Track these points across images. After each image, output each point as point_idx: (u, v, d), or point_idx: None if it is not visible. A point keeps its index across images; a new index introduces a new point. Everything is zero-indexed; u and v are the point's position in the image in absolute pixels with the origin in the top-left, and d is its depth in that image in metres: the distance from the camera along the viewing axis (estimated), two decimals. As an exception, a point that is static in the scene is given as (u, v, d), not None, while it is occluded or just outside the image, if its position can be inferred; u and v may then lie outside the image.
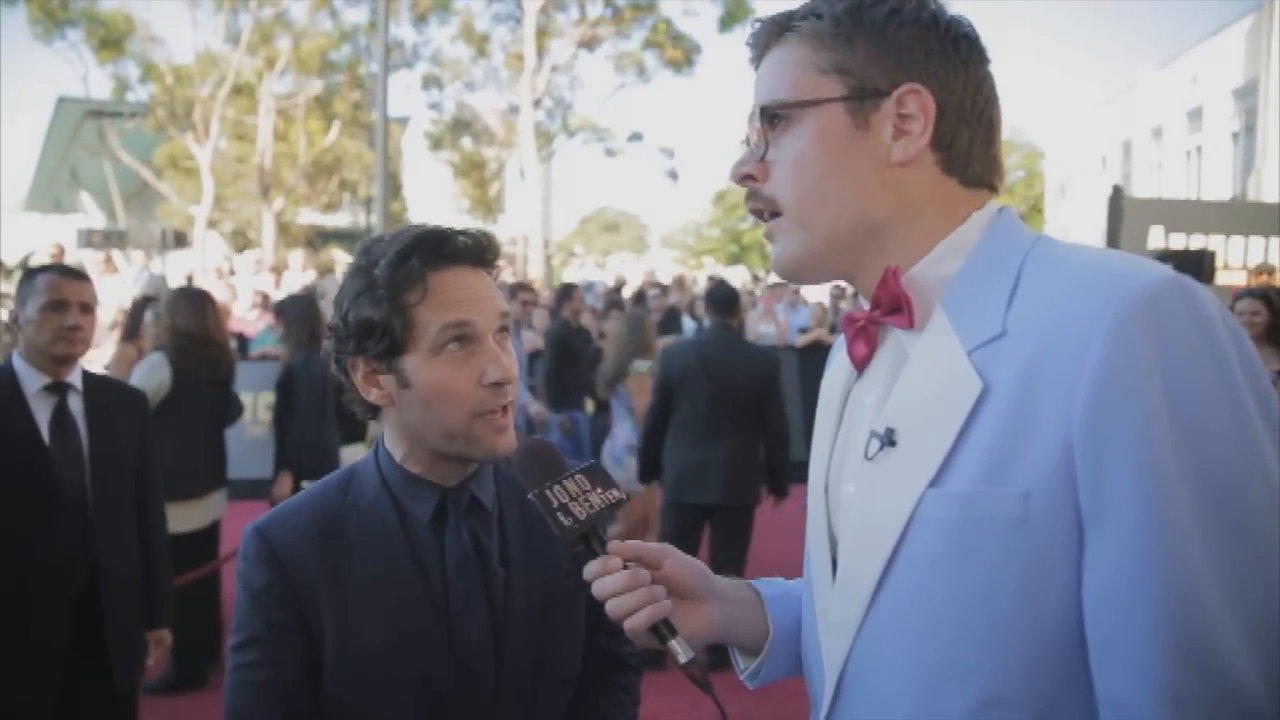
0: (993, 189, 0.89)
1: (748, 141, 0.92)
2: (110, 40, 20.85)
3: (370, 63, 21.47)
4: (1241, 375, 0.72)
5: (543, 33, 21.69)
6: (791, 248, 0.89)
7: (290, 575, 1.16)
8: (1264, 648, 0.69)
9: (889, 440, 0.83)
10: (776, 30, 0.89)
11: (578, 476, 0.99)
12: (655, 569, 0.95)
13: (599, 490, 0.99)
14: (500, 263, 1.23)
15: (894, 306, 0.85)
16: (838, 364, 1.00)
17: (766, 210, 0.90)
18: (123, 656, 2.47)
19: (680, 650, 0.91)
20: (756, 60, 0.92)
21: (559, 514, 0.95)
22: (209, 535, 4.17)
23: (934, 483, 0.78)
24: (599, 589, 0.93)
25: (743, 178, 0.91)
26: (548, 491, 0.96)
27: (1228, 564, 0.69)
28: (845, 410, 0.95)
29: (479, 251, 1.18)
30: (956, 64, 0.85)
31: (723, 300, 4.61)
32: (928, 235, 0.86)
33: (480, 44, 22.59)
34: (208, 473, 4.10)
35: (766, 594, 1.04)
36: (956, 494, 0.77)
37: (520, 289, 7.68)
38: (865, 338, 0.89)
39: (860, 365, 0.91)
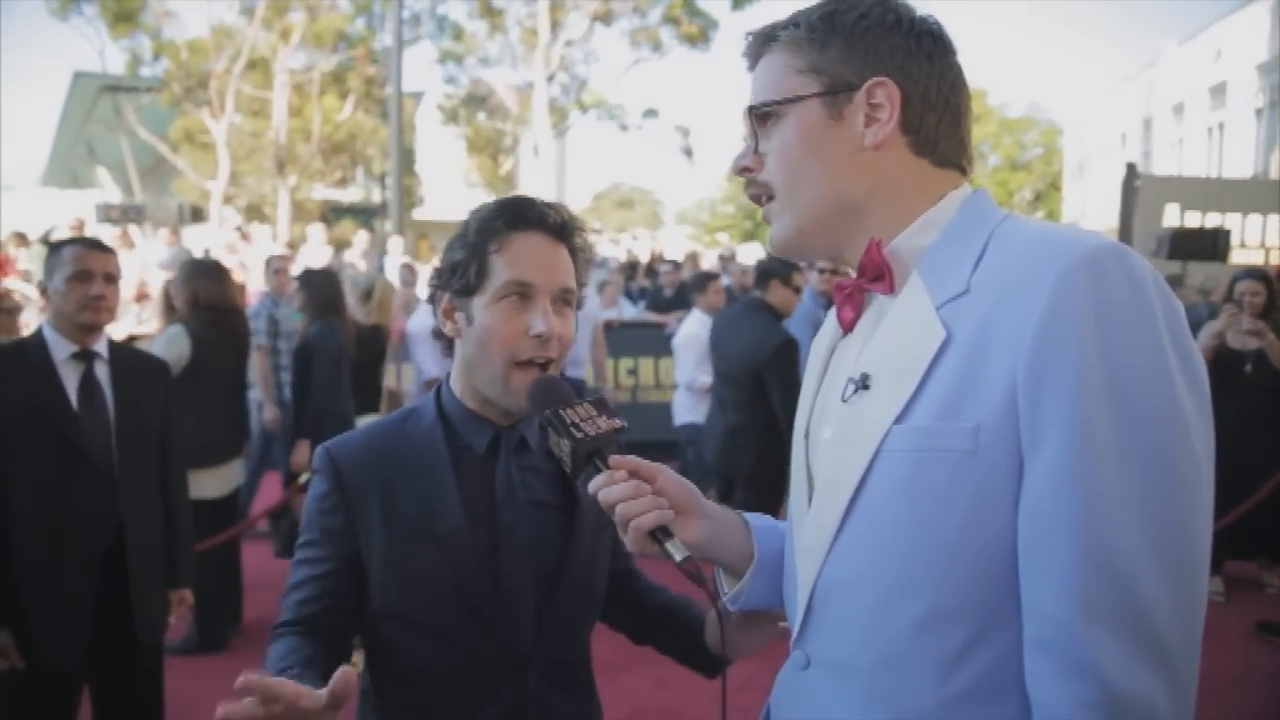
0: (962, 170, 0.98)
1: (745, 139, 1.03)
2: (123, 14, 20.87)
3: (385, 35, 21.43)
4: (1166, 331, 0.80)
5: (557, 7, 21.57)
6: (783, 227, 1.00)
7: (345, 485, 1.30)
8: (1167, 564, 0.78)
9: (863, 384, 0.92)
10: (763, 41, 1.02)
11: (586, 404, 1.10)
12: (650, 483, 1.04)
13: (604, 418, 1.09)
14: (580, 242, 1.36)
15: (877, 274, 0.95)
16: (825, 325, 1.09)
17: (763, 195, 1.01)
18: (146, 612, 2.58)
19: (676, 550, 0.99)
20: (751, 68, 1.03)
21: (572, 429, 1.05)
22: (230, 502, 4.28)
23: (899, 419, 0.87)
24: (606, 496, 1.02)
25: (741, 169, 1.03)
26: (561, 411, 1.08)
27: (1140, 489, 0.78)
28: (829, 365, 1.04)
29: (558, 225, 1.32)
30: (920, 57, 0.95)
31: (759, 273, 4.58)
32: (905, 211, 0.95)
33: (496, 18, 22.47)
34: (228, 440, 4.20)
35: (754, 524, 1.12)
36: (917, 428, 0.86)
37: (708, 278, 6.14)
38: (852, 303, 0.99)
39: (848, 328, 1.00)
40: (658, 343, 7.92)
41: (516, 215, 1.30)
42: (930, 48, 0.95)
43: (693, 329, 5.53)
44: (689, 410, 5.54)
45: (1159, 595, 0.77)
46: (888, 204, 0.95)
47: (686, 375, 5.53)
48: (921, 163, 0.95)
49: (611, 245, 16.60)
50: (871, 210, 0.95)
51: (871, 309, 0.98)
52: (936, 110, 0.95)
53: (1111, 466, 0.78)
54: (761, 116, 0.99)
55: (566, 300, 1.31)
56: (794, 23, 0.98)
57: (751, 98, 1.01)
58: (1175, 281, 8.22)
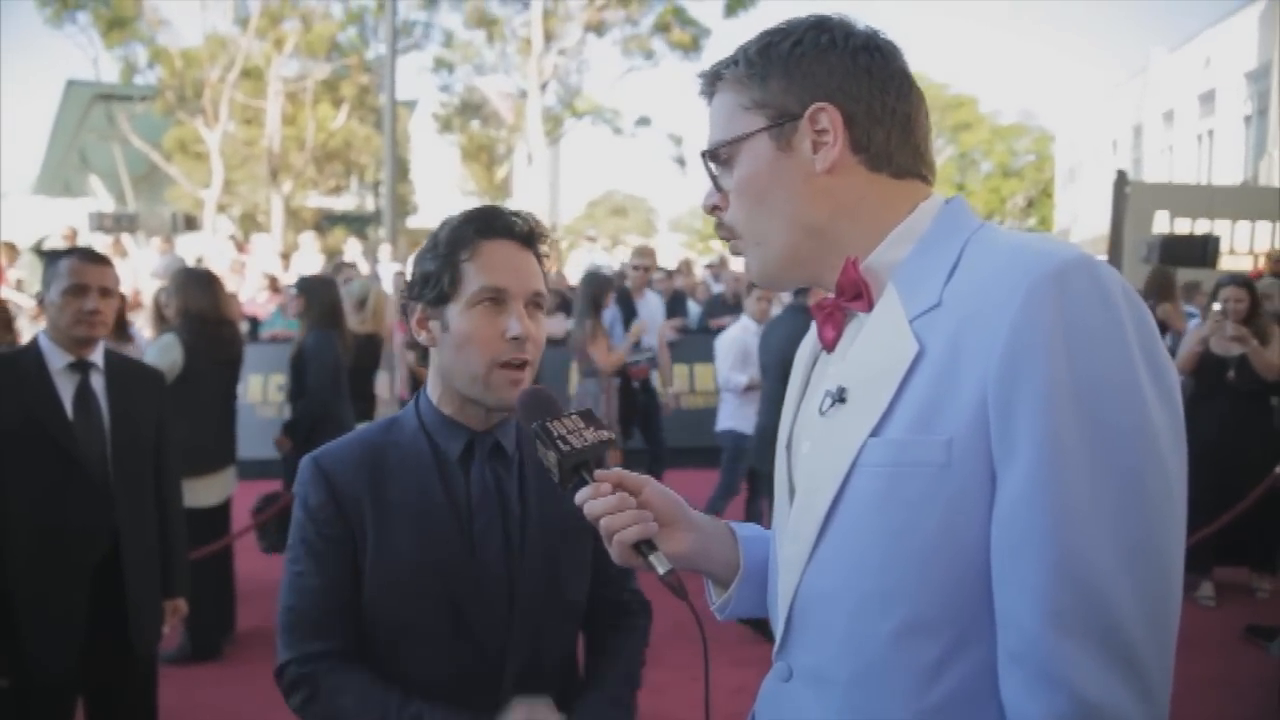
0: (924, 178, 0.99)
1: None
2: (117, 22, 20.84)
3: (378, 44, 21.45)
4: (1136, 344, 0.81)
5: (550, 15, 21.63)
6: (756, 262, 1.02)
7: (339, 494, 1.33)
8: (1139, 576, 0.78)
9: (840, 397, 0.93)
10: (711, 81, 1.03)
11: (573, 416, 1.11)
12: (635, 495, 1.04)
13: (591, 429, 1.10)
14: (545, 249, 1.38)
15: (855, 293, 0.96)
16: (807, 339, 1.10)
17: (731, 234, 1.03)
18: (141, 622, 2.58)
19: (659, 564, 1.00)
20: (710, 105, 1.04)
21: (559, 442, 1.06)
22: (223, 511, 4.28)
23: (874, 433, 0.88)
24: (590, 509, 1.02)
25: (712, 209, 1.04)
26: (549, 424, 1.09)
27: (1110, 502, 0.79)
28: (811, 378, 1.05)
29: (526, 233, 1.36)
30: (858, 74, 0.95)
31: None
32: (875, 227, 0.96)
33: (490, 27, 22.51)
34: (221, 449, 4.20)
35: (740, 533, 1.13)
36: (891, 442, 0.86)
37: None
38: (833, 322, 1.00)
39: (829, 348, 1.01)
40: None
41: (485, 224, 1.34)
42: (868, 62, 0.95)
43: (734, 332, 5.70)
44: (729, 416, 5.63)
45: (1131, 608, 0.78)
46: (854, 224, 0.96)
47: (723, 376, 5.70)
48: (879, 178, 0.96)
49: (605, 253, 16.61)
50: (839, 232, 0.96)
51: (852, 325, 0.99)
52: (884, 124, 0.95)
53: (1081, 480, 0.78)
54: (717, 158, 1.01)
55: (537, 304, 1.35)
56: (734, 60, 1.00)
57: (706, 140, 1.02)
58: (1193, 289, 8.16)
